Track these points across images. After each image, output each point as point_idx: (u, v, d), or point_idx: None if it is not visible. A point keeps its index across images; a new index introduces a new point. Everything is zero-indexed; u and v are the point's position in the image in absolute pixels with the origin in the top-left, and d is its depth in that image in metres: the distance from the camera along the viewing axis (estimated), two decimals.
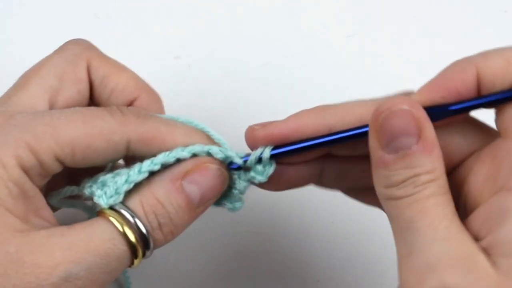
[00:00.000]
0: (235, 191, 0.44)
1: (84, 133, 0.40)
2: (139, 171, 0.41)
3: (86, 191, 0.42)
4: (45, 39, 0.65)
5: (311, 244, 0.62)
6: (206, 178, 0.41)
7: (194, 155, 0.42)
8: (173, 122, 0.43)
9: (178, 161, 0.42)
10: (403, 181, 0.36)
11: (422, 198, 0.36)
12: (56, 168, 0.40)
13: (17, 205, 0.38)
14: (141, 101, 0.47)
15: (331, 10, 0.67)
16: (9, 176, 0.38)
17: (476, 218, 0.37)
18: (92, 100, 0.47)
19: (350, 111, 0.41)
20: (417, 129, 0.36)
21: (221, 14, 0.67)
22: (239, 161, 0.43)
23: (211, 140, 0.43)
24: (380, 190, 0.38)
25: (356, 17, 0.67)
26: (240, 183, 0.44)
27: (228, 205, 0.44)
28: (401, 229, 0.36)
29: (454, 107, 0.38)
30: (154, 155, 0.41)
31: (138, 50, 0.65)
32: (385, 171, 0.37)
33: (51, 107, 0.44)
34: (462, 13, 0.67)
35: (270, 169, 0.42)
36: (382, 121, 0.36)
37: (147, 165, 0.41)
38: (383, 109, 0.37)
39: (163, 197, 0.40)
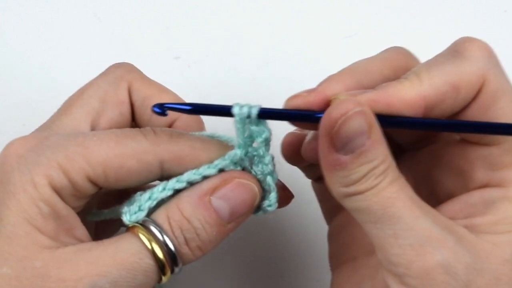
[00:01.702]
0: (267, 177, 0.42)
1: (116, 153, 0.39)
2: (163, 188, 0.41)
3: (119, 211, 0.42)
4: (45, 39, 0.65)
5: (311, 244, 0.62)
6: (235, 193, 0.41)
7: (221, 170, 0.41)
8: (207, 139, 0.43)
9: (206, 178, 0.41)
10: (363, 177, 0.37)
11: (386, 186, 0.37)
12: (90, 189, 0.40)
13: (47, 224, 0.38)
14: (181, 121, 0.47)
15: (329, 10, 0.67)
16: (40, 195, 0.38)
17: (454, 204, 0.40)
18: (135, 122, 0.47)
19: (371, 69, 0.41)
20: (368, 127, 0.37)
21: (221, 14, 0.67)
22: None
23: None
24: (338, 189, 0.38)
25: (355, 18, 0.67)
26: (264, 159, 0.42)
27: (266, 202, 0.43)
28: (375, 218, 0.37)
29: (396, 120, 0.38)
30: None
31: (138, 50, 0.65)
32: (343, 172, 0.37)
33: (93, 129, 0.45)
34: (462, 12, 0.67)
35: (264, 124, 0.41)
36: (339, 127, 0.36)
37: (172, 183, 0.41)
38: (336, 115, 0.36)
39: (189, 212, 0.40)
